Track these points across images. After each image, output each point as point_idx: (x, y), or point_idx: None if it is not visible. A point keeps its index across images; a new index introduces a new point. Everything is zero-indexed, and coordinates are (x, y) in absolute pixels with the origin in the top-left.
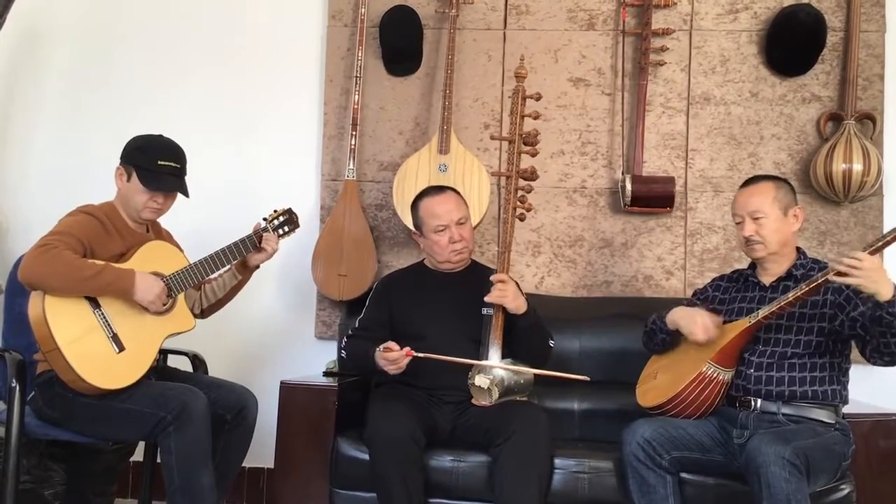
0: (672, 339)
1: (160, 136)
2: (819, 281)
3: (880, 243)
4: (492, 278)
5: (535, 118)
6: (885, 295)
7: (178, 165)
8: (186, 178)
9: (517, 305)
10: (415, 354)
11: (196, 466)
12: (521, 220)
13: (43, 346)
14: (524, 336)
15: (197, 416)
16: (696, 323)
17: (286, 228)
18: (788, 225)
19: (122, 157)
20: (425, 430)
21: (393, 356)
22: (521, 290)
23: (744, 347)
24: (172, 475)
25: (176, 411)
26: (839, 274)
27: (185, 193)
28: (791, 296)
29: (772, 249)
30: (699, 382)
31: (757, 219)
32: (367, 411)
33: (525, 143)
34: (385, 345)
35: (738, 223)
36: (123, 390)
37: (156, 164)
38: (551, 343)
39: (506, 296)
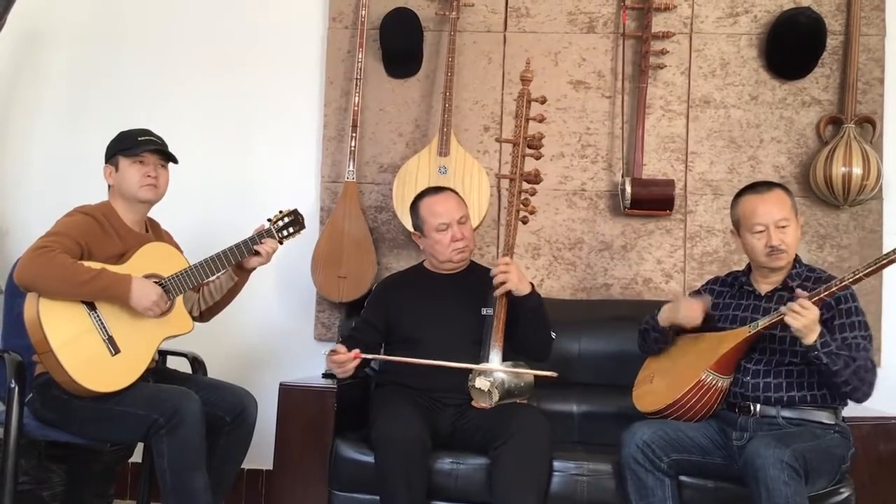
0: (664, 338)
1: (131, 129)
2: (776, 318)
3: (833, 288)
4: (496, 261)
5: (540, 121)
6: (808, 340)
7: (158, 139)
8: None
9: (521, 287)
10: (363, 356)
11: (189, 469)
12: (524, 222)
13: (37, 347)
14: (528, 323)
15: (189, 419)
16: (679, 308)
17: (291, 230)
18: (800, 230)
19: (105, 159)
20: (431, 432)
21: (340, 358)
22: (525, 276)
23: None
24: (165, 477)
25: (168, 414)
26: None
27: (173, 157)
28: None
29: (791, 256)
30: (698, 390)
31: (783, 227)
32: (370, 412)
33: (529, 147)
34: (333, 347)
35: (758, 232)
36: (118, 393)
37: (136, 140)
38: (553, 335)
39: (509, 274)
